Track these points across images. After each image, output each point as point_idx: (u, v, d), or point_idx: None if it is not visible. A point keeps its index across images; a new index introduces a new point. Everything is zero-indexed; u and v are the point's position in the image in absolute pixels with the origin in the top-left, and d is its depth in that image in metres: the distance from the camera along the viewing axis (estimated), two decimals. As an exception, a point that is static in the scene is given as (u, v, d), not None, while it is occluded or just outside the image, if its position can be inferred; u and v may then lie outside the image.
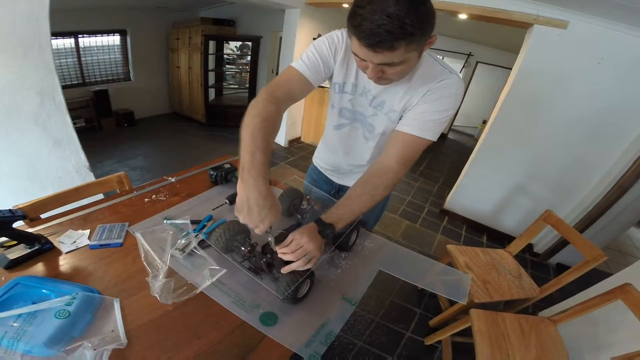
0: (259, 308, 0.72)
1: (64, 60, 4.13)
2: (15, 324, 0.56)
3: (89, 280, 0.75)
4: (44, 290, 0.66)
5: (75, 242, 0.90)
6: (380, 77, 0.72)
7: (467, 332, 1.35)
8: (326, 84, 0.97)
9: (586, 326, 1.49)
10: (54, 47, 3.97)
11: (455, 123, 6.26)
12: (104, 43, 4.48)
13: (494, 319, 1.33)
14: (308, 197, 1.12)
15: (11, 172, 1.74)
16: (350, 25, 0.64)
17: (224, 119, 4.92)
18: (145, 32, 4.72)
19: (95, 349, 0.55)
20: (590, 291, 1.67)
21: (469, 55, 5.42)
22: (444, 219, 3.03)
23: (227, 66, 5.20)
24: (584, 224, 2.36)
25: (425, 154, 4.68)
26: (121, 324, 0.62)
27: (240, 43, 5.02)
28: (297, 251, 0.72)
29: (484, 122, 4.36)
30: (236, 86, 5.36)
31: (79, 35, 4.13)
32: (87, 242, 0.90)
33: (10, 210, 0.81)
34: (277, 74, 4.14)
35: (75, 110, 4.21)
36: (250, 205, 0.63)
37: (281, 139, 4.19)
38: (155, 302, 0.69)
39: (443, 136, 6.02)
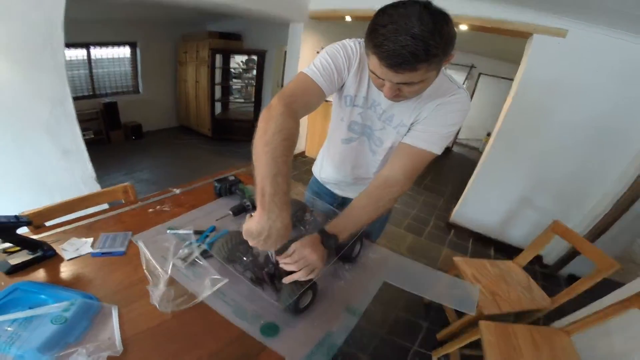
0: (260, 319, 0.70)
1: (76, 72, 4.23)
2: (9, 329, 0.56)
3: (89, 287, 0.74)
4: (42, 296, 0.66)
5: (77, 249, 0.90)
6: (397, 95, 0.72)
7: (477, 345, 1.31)
8: (329, 97, 0.96)
9: (601, 336, 1.44)
10: (67, 58, 4.10)
11: (459, 136, 6.26)
12: (115, 55, 4.58)
13: (505, 331, 1.29)
14: (311, 209, 1.11)
15: (19, 181, 1.76)
16: (371, 43, 0.62)
17: (229, 132, 4.95)
18: (154, 45, 4.82)
19: (89, 356, 0.54)
20: (604, 301, 1.62)
21: (472, 67, 5.45)
22: (450, 232, 2.99)
23: (234, 80, 5.27)
24: (595, 234, 2.30)
25: (429, 168, 4.58)
26: (118, 332, 0.61)
27: (246, 57, 5.10)
28: (300, 261, 0.70)
29: (489, 134, 4.35)
30: (242, 100, 5.44)
31: (91, 46, 4.24)
32: (90, 250, 0.90)
33: (15, 216, 0.82)
34: (282, 87, 4.17)
35: (85, 122, 4.27)
36: (271, 234, 0.61)
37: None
38: (154, 310, 0.68)
39: (448, 150, 6.00)
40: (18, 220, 0.81)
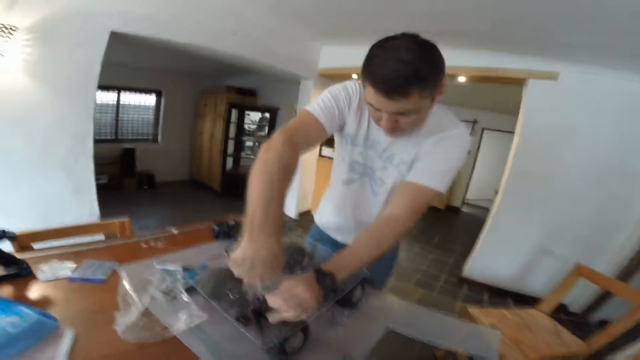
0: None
1: (104, 115, 4.48)
2: None
3: (54, 309, 0.67)
4: None
5: (56, 272, 0.85)
6: (395, 128, 0.73)
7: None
8: (331, 154, 0.98)
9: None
10: (98, 100, 4.45)
11: (468, 197, 6.13)
12: (141, 102, 4.87)
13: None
14: (311, 254, 1.05)
15: (26, 211, 1.77)
16: (366, 73, 0.67)
17: (238, 188, 4.86)
18: (178, 95, 5.15)
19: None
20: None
21: (474, 122, 5.49)
22: (463, 286, 2.83)
23: (247, 136, 5.44)
24: (624, 276, 2.11)
25: (439, 226, 4.63)
26: (64, 354, 0.53)
27: (260, 115, 5.30)
28: (290, 300, 0.62)
29: (497, 192, 4.34)
30: (253, 157, 5.61)
31: (121, 91, 4.56)
32: (69, 274, 0.84)
33: (2, 230, 0.80)
34: None
35: (103, 165, 4.35)
36: (255, 264, 0.58)
37: (292, 211, 4.18)
38: (117, 339, 0.60)
39: (457, 210, 5.88)
40: (3, 233, 0.79)
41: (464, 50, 2.48)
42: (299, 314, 0.60)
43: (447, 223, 5.03)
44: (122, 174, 4.61)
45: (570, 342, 1.38)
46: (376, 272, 1.06)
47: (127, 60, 4.00)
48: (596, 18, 1.55)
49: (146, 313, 0.70)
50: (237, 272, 0.59)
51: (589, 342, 1.35)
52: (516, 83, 2.46)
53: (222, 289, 0.75)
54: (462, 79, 2.70)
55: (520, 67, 2.34)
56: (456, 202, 5.92)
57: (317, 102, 0.86)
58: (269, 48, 2.78)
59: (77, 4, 1.74)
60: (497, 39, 2.15)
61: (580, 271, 1.51)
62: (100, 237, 1.24)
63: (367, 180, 0.96)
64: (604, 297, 2.20)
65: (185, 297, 0.78)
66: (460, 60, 2.53)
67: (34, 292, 0.75)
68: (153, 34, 2.06)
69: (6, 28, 1.56)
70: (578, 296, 2.39)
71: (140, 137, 5.00)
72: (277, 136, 0.75)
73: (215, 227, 1.17)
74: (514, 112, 2.70)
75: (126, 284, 0.80)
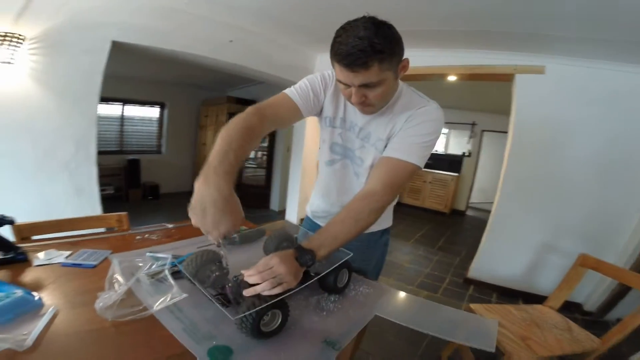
0: (213, 340, 0.59)
1: (109, 126, 4.63)
2: None
3: (40, 289, 0.69)
4: None
5: (50, 259, 0.88)
6: (364, 103, 0.78)
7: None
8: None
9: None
10: (103, 113, 4.46)
11: (472, 200, 6.01)
12: (145, 115, 5.00)
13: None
14: (297, 239, 1.06)
15: (30, 210, 1.81)
16: (332, 53, 0.73)
17: (242, 198, 4.95)
18: (180, 108, 5.27)
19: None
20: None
21: (473, 124, 5.48)
22: (469, 287, 2.75)
23: None
24: (638, 267, 2.03)
25: (443, 230, 4.57)
26: (39, 329, 0.55)
27: None
28: (265, 272, 0.63)
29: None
30: (255, 166, 5.69)
31: (126, 104, 4.71)
32: (63, 260, 0.87)
33: (2, 215, 0.84)
34: (290, 151, 4.35)
35: (108, 176, 4.48)
36: (206, 206, 0.58)
37: (293, 215, 4.17)
38: (97, 317, 0.61)
39: (461, 213, 5.78)
40: (2, 218, 0.83)
41: (452, 49, 2.55)
42: (272, 287, 0.61)
43: (452, 226, 4.96)
44: (127, 185, 4.68)
45: (583, 338, 1.31)
46: (366, 262, 1.07)
47: (132, 72, 4.13)
48: (580, 11, 1.57)
49: (129, 294, 0.72)
50: (194, 221, 0.59)
51: (604, 339, 1.28)
52: (505, 79, 2.48)
53: (205, 270, 0.77)
54: (452, 77, 2.74)
55: (506, 63, 2.37)
56: (460, 206, 5.82)
57: (294, 86, 0.93)
58: (265, 56, 2.84)
59: (81, 14, 1.83)
60: (482, 36, 2.18)
61: (585, 262, 1.45)
62: (101, 231, 1.27)
63: (349, 162, 0.99)
64: (620, 294, 2.11)
65: (170, 279, 0.80)
66: (449, 60, 2.59)
67: (27, 275, 0.77)
68: (153, 43, 2.14)
69: (15, 37, 1.66)
70: (592, 293, 2.33)
71: (145, 149, 5.12)
72: (248, 109, 0.80)
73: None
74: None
75: (114, 267, 0.82)
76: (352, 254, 0.85)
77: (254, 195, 4.90)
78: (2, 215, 0.84)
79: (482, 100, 4.59)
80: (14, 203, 1.74)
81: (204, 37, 2.37)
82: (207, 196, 0.58)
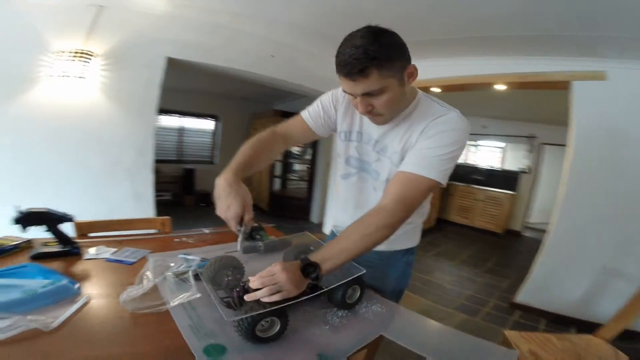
0: (212, 338, 0.63)
1: (169, 137, 5.17)
2: None
3: (83, 280, 0.80)
4: (38, 276, 0.74)
5: (98, 254, 1.01)
6: (371, 112, 0.78)
7: None
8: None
9: None
10: (164, 124, 5.01)
11: (530, 220, 5.40)
12: (201, 126, 5.48)
13: None
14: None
15: (94, 212, 2.09)
16: (335, 64, 0.74)
17: (285, 209, 5.06)
18: (231, 120, 5.67)
19: (16, 324, 0.57)
20: None
21: (531, 137, 4.96)
22: (514, 313, 2.51)
23: (293, 159, 5.65)
24: None
25: (494, 251, 4.20)
26: (67, 314, 0.63)
27: None
28: (265, 278, 0.65)
29: None
30: (298, 179, 5.84)
31: (185, 116, 5.23)
32: (108, 256, 1.00)
33: (64, 213, 0.98)
34: (330, 166, 4.39)
35: (167, 183, 5.01)
36: (219, 193, 0.75)
37: (329, 228, 4.14)
38: (119, 307, 0.69)
39: (517, 234, 5.23)
40: (64, 215, 0.98)
41: (500, 57, 2.40)
42: (271, 293, 0.63)
43: (504, 248, 4.53)
44: (183, 191, 5.20)
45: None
46: (383, 281, 1.03)
47: (189, 86, 4.59)
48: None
49: (154, 290, 0.79)
50: (216, 210, 0.74)
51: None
52: (560, 87, 2.25)
53: (222, 273, 0.81)
54: (500, 87, 2.57)
55: (562, 69, 2.16)
56: (516, 226, 5.27)
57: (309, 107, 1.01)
58: (305, 70, 2.96)
59: (139, 32, 2.13)
60: (531, 41, 2.03)
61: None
62: (150, 232, 1.42)
63: (366, 176, 0.97)
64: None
65: (191, 279, 0.86)
66: (496, 68, 2.44)
67: (76, 266, 0.90)
68: (200, 59, 2.39)
69: (85, 54, 1.96)
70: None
71: (200, 159, 5.63)
72: (268, 128, 0.95)
73: (240, 228, 1.26)
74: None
75: (149, 265, 0.91)
76: (364, 271, 0.83)
77: (296, 206, 5.02)
78: (64, 214, 0.99)
79: (541, 110, 4.16)
80: (83, 204, 2.04)
81: (246, 51, 2.57)
82: (219, 186, 0.76)
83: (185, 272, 0.90)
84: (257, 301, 0.63)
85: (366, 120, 0.90)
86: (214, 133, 5.72)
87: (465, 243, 4.48)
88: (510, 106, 4.10)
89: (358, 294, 0.83)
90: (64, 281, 0.73)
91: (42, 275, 0.74)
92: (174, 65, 2.33)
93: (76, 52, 1.95)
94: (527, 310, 2.52)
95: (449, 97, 4.09)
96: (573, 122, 2.21)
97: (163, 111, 5.02)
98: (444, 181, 0.79)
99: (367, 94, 0.74)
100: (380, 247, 1.00)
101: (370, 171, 0.96)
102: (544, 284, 2.47)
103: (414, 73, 0.76)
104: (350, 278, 0.79)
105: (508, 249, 4.52)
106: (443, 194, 5.30)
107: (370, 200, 0.97)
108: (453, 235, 4.87)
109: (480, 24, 1.95)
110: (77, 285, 0.75)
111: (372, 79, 0.70)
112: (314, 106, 0.99)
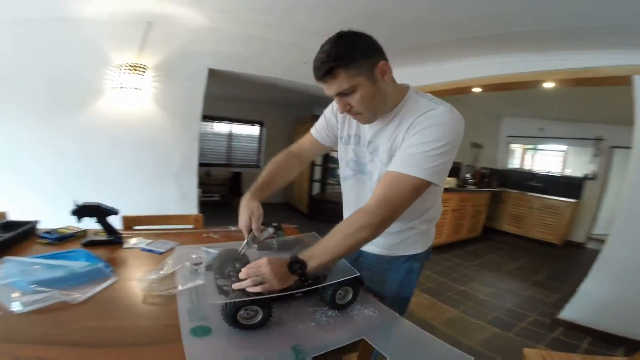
0: (203, 321, 0.71)
1: (219, 143, 5.64)
2: (35, 267, 0.82)
3: (117, 265, 0.98)
4: (82, 259, 0.92)
5: (136, 244, 1.18)
6: (350, 110, 0.82)
7: None
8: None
9: None
10: (216, 130, 5.50)
11: (595, 231, 4.71)
12: (247, 132, 5.91)
13: None
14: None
15: (145, 210, 2.39)
16: None
17: (323, 213, 5.13)
18: (275, 125, 5.99)
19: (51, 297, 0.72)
20: None
21: (598, 140, 4.38)
22: (556, 330, 2.28)
23: (333, 163, 5.61)
24: None
25: (547, 263, 3.81)
26: (93, 292, 0.77)
27: None
28: (251, 270, 0.72)
29: None
30: (337, 183, 5.84)
31: (233, 122, 5.68)
32: (143, 246, 1.17)
33: (111, 207, 1.17)
34: None
35: (216, 185, 5.47)
36: (239, 209, 0.92)
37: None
38: (137, 288, 0.83)
39: (578, 245, 4.64)
40: (111, 209, 1.16)
41: (547, 53, 2.18)
42: (254, 284, 0.69)
43: (561, 260, 4.06)
44: (230, 193, 5.64)
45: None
46: (381, 285, 1.03)
47: (236, 94, 4.95)
48: None
49: (171, 276, 0.92)
50: None
51: None
52: (619, 83, 1.97)
53: (227, 265, 0.90)
54: (549, 84, 2.33)
55: (618, 63, 1.89)
56: (578, 237, 4.67)
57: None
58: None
59: (183, 45, 2.40)
60: (583, 34, 1.82)
61: None
62: (186, 227, 1.60)
63: (362, 177, 1.00)
64: None
65: (202, 269, 0.97)
66: (543, 65, 2.22)
67: (115, 254, 1.09)
68: (238, 69, 2.61)
69: (139, 67, 2.27)
70: None
71: (247, 163, 6.06)
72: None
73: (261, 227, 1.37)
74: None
75: (173, 256, 1.05)
76: (358, 274, 0.85)
77: (334, 210, 5.01)
78: (111, 208, 1.18)
79: (609, 109, 3.64)
80: (138, 201, 2.36)
81: (278, 60, 2.72)
82: (240, 203, 0.94)
83: (200, 263, 1.02)
84: (244, 290, 0.71)
85: (362, 125, 0.93)
86: (260, 138, 6.09)
87: (515, 254, 4.12)
88: (571, 106, 3.66)
89: (350, 296, 0.85)
90: (100, 264, 0.89)
91: (85, 259, 0.92)
92: (214, 76, 2.57)
93: (132, 66, 2.28)
94: (570, 327, 2.30)
95: (492, 97, 3.80)
96: (638, 120, 1.95)
97: (214, 118, 5.54)
98: (435, 179, 0.77)
99: (341, 94, 0.78)
100: (379, 251, 1.03)
101: (366, 172, 0.98)
102: (594, 299, 2.22)
103: (386, 70, 0.78)
104: (339, 280, 0.81)
105: (564, 261, 4.04)
106: (493, 202, 4.92)
107: (368, 197, 0.99)
108: (502, 245, 4.49)
109: (522, 17, 1.81)
110: (110, 269, 0.90)
111: (341, 79, 0.75)
112: (320, 120, 1.09)
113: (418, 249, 1.04)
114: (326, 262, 0.78)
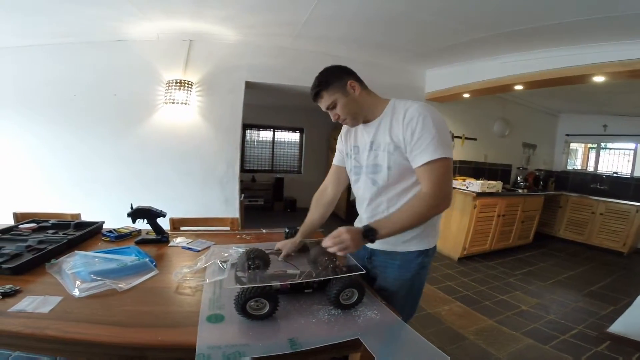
0: (220, 310, 0.83)
1: (264, 150, 6.02)
2: (96, 260, 1.03)
3: (161, 260, 1.18)
4: (133, 254, 1.13)
5: (179, 243, 1.38)
6: (338, 118, 1.09)
7: None
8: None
9: None
10: (261, 138, 5.92)
11: None
12: (289, 139, 6.20)
13: None
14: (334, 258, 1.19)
15: (194, 213, 2.66)
16: None
17: (352, 216, 5.17)
18: (314, 132, 6.19)
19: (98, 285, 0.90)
20: None
21: None
22: (602, 343, 2.05)
23: None
24: None
25: (607, 273, 3.43)
26: (136, 282, 0.96)
27: None
28: (336, 238, 0.92)
29: None
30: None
31: (276, 130, 6.02)
32: (184, 245, 1.36)
33: (160, 210, 1.39)
34: None
35: (261, 190, 5.81)
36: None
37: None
38: (171, 280, 1.00)
39: None
40: (160, 212, 1.38)
41: (594, 44, 2.00)
42: (339, 250, 0.91)
43: (625, 269, 3.60)
44: (273, 198, 5.96)
45: None
46: (392, 282, 1.10)
47: (278, 103, 5.21)
48: None
49: (202, 271, 1.08)
50: None
51: None
52: None
53: (247, 261, 1.03)
54: (599, 78, 2.12)
55: None
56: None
57: None
58: (370, 80, 3.05)
59: (222, 60, 2.65)
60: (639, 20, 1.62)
61: None
62: (225, 228, 1.81)
63: (363, 176, 1.15)
64: None
65: (228, 265, 1.11)
66: (592, 58, 2.04)
67: (161, 250, 1.30)
68: (271, 80, 2.80)
69: (185, 83, 2.56)
70: None
71: (289, 169, 6.36)
72: None
73: (286, 230, 1.49)
74: None
75: (208, 254, 1.22)
76: (364, 271, 0.95)
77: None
78: (160, 211, 1.39)
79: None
80: (188, 205, 2.67)
81: (309, 69, 2.82)
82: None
83: (227, 260, 1.17)
84: (256, 282, 0.84)
85: (358, 134, 1.17)
86: (301, 144, 6.35)
87: (570, 262, 3.73)
88: (637, 100, 3.25)
89: (356, 298, 0.91)
90: (147, 259, 1.08)
91: (136, 254, 1.12)
92: (251, 87, 2.79)
93: (179, 82, 2.58)
94: (619, 341, 2.05)
95: (542, 93, 3.49)
96: None
97: (260, 126, 5.91)
98: (451, 155, 0.99)
99: (328, 108, 1.07)
100: (391, 248, 1.11)
101: (367, 171, 1.13)
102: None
103: (354, 85, 1.06)
104: (346, 275, 0.90)
105: (629, 272, 3.57)
106: (548, 206, 4.46)
107: (371, 192, 1.13)
108: (557, 253, 4.08)
109: (565, 7, 1.69)
110: (154, 263, 1.09)
111: (325, 98, 1.06)
112: (337, 149, 1.32)
113: (429, 243, 1.11)
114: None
